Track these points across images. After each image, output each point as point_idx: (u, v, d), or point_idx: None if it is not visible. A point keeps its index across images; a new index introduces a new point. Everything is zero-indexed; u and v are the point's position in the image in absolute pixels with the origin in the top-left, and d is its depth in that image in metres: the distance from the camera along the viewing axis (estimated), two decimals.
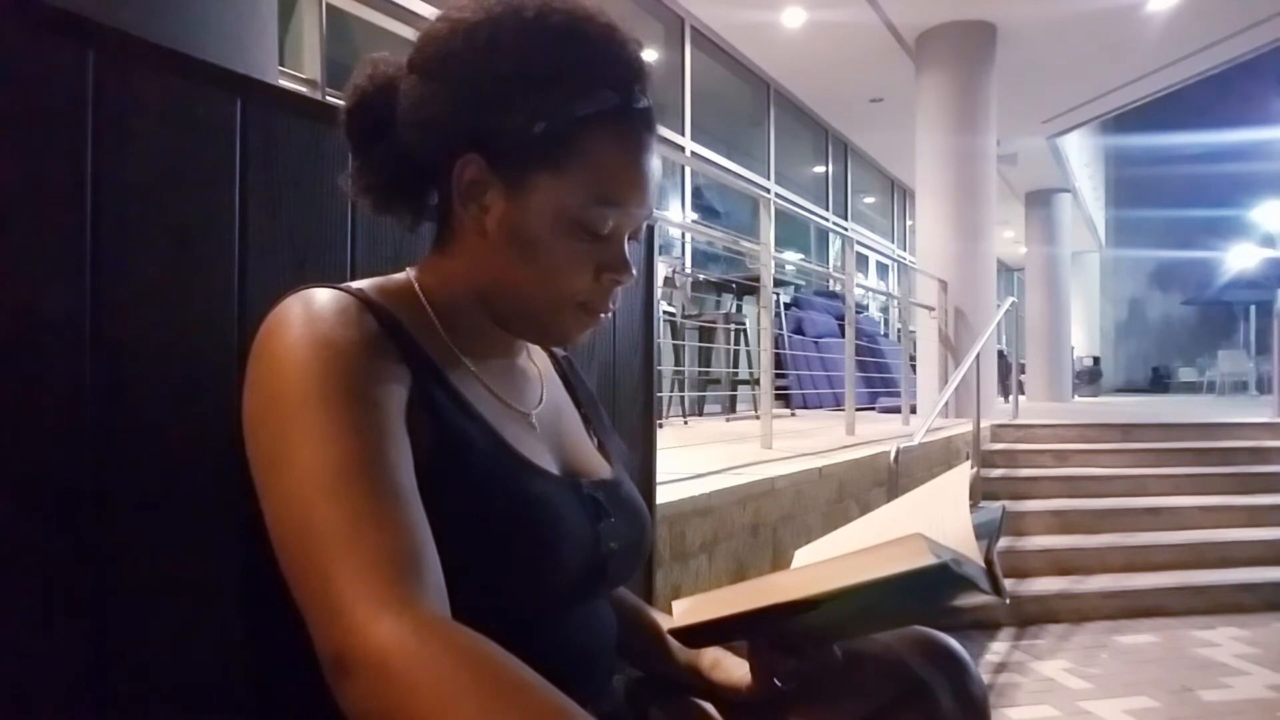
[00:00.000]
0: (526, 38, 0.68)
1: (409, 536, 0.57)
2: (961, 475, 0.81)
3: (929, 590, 0.72)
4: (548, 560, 0.68)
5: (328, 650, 0.52)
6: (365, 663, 0.50)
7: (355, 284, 0.71)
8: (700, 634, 0.79)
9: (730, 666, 0.86)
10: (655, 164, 0.73)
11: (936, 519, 0.76)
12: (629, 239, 0.74)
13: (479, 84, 0.69)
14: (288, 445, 0.58)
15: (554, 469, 0.75)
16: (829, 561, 0.71)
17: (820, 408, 6.91)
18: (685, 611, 0.78)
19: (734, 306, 6.32)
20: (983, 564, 0.71)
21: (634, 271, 0.74)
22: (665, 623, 0.85)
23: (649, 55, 0.77)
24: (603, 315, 0.75)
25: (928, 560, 0.63)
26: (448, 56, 0.70)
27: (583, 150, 0.69)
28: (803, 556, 0.88)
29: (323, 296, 0.66)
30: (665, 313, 5.15)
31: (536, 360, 0.85)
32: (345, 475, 0.57)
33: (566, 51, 0.69)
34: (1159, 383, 19.24)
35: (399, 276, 0.76)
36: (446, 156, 0.71)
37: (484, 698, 0.48)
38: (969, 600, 0.75)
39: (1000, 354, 7.78)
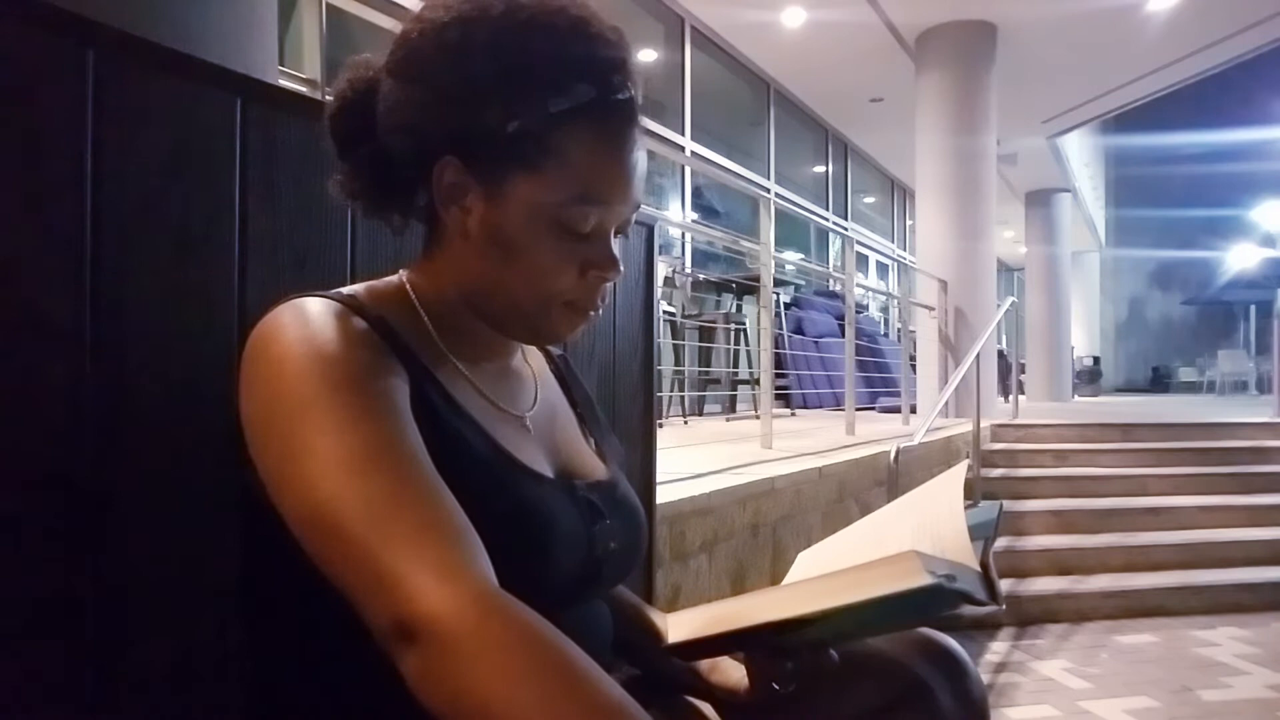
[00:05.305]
0: (495, 36, 0.67)
1: (449, 507, 0.56)
2: (958, 474, 0.81)
3: (924, 605, 0.73)
4: (542, 563, 0.68)
5: (387, 620, 0.51)
6: (430, 630, 0.49)
7: (346, 289, 0.71)
8: (696, 649, 0.80)
9: (728, 669, 0.86)
10: (639, 157, 0.71)
11: (933, 522, 0.76)
12: (617, 234, 0.73)
13: (450, 85, 0.68)
14: (303, 438, 0.57)
15: (548, 472, 0.74)
16: (824, 578, 0.71)
17: (820, 407, 6.90)
18: (681, 626, 0.78)
19: (734, 306, 6.31)
20: (978, 568, 0.71)
21: (621, 268, 0.72)
22: (664, 623, 0.86)
23: (643, 52, 0.76)
24: (592, 313, 0.74)
25: (922, 580, 0.64)
26: (419, 58, 0.69)
27: (559, 147, 0.67)
28: (805, 559, 0.88)
29: (313, 304, 0.65)
30: (665, 313, 5.14)
31: (531, 361, 0.85)
32: (371, 456, 0.56)
33: (536, 47, 0.67)
34: (1159, 383, 19.22)
35: (392, 279, 0.75)
36: (427, 159, 0.69)
37: (546, 680, 0.48)
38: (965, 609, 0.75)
39: (1000, 354, 7.77)
